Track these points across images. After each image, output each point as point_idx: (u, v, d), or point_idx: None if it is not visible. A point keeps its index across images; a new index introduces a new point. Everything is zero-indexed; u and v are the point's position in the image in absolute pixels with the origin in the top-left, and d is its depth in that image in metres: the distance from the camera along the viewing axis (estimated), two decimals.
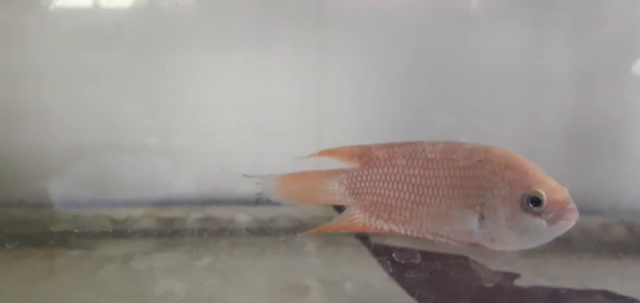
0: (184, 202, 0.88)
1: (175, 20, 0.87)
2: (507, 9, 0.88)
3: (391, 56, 0.89)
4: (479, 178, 0.45)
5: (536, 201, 0.42)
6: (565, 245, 0.62)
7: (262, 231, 0.85)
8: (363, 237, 0.65)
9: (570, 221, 0.42)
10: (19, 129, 0.86)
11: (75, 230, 0.80)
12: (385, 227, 0.51)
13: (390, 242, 0.63)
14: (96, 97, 0.87)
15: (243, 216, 0.86)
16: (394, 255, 0.60)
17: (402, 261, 0.59)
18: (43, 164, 0.86)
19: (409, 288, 0.57)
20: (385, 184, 0.51)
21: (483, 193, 0.44)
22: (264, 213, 0.86)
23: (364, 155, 0.52)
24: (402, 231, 0.51)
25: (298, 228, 0.86)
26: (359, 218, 0.52)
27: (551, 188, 0.42)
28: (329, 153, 0.55)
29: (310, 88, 0.90)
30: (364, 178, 0.52)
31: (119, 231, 0.83)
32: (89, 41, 0.84)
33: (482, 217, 0.45)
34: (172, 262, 0.72)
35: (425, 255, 0.61)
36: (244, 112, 0.89)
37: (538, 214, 0.42)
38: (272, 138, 0.90)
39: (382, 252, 0.62)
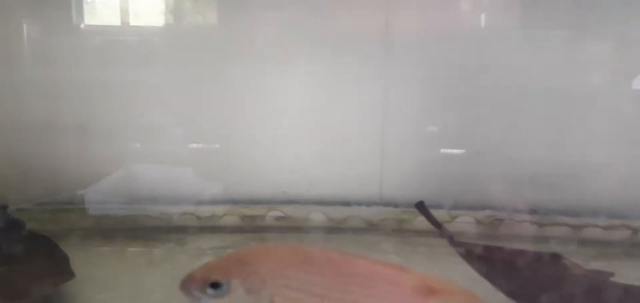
0: (262, 201, 0.94)
1: (252, 35, 0.92)
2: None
3: (454, 67, 0.92)
4: None
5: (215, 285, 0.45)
6: None
7: (336, 230, 0.90)
8: (451, 236, 0.68)
9: None
10: None
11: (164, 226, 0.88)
12: None
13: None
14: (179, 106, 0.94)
15: (317, 215, 0.91)
16: (480, 252, 0.64)
17: (490, 260, 0.63)
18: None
19: (500, 286, 0.60)
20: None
21: None
22: (337, 213, 0.91)
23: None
24: None
25: (369, 229, 0.90)
26: None
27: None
28: None
29: (376, 97, 0.94)
30: None
31: (205, 227, 0.90)
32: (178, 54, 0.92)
33: None
34: None
35: (515, 252, 0.64)
36: (313, 119, 0.94)
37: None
38: (337, 143, 0.94)
39: (469, 250, 0.65)
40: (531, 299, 0.60)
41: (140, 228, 0.88)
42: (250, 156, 0.95)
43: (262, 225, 0.90)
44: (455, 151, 0.95)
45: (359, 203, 0.93)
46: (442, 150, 0.95)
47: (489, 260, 0.65)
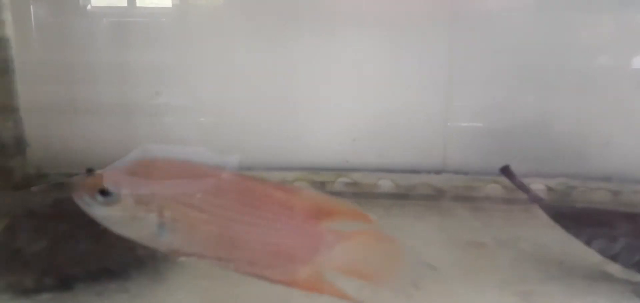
0: (330, 168, 0.94)
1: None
2: None
3: (519, 44, 0.92)
4: None
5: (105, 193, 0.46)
6: None
7: (404, 197, 0.90)
8: (540, 199, 0.69)
9: None
10: None
11: None
12: None
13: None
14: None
15: (386, 182, 0.92)
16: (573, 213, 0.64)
17: (584, 220, 0.63)
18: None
19: (596, 246, 0.61)
20: None
21: None
22: (406, 180, 0.91)
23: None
24: None
25: (437, 195, 0.91)
26: None
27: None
28: None
29: (440, 65, 0.94)
30: None
31: None
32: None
33: None
34: None
35: (609, 213, 0.65)
36: (376, 92, 0.94)
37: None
38: (401, 112, 0.94)
39: (560, 212, 0.66)
40: (629, 257, 0.60)
41: None
42: (314, 123, 0.96)
43: (331, 191, 0.91)
44: (521, 119, 0.94)
45: (419, 171, 0.93)
46: (507, 118, 0.95)
47: (582, 220, 0.65)
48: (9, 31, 0.85)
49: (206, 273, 0.56)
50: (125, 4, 0.91)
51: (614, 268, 0.60)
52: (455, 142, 0.95)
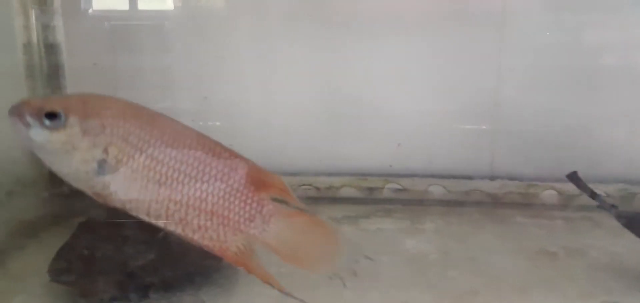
0: (369, 174, 0.93)
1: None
2: None
3: (571, 45, 0.90)
4: None
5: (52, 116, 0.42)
6: None
7: (457, 203, 0.88)
8: (611, 206, 0.66)
9: None
10: None
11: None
12: None
13: None
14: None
15: (436, 189, 0.90)
16: None
17: None
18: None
19: None
20: None
21: None
22: (456, 186, 0.89)
23: None
24: None
25: (490, 202, 0.89)
26: None
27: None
28: None
29: (489, 75, 0.92)
30: None
31: (325, 198, 0.89)
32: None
33: None
34: (399, 225, 0.77)
35: None
36: (422, 96, 0.93)
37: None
38: (446, 121, 0.93)
39: (632, 219, 0.63)
40: None
41: None
42: (358, 128, 0.94)
43: (379, 197, 0.89)
44: (573, 122, 0.92)
45: (472, 177, 0.91)
46: (558, 121, 0.92)
47: None
48: (60, 37, 0.85)
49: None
50: (171, 7, 0.91)
51: None
52: (504, 146, 0.94)
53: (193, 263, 0.56)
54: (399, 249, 0.68)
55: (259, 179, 0.47)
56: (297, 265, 0.47)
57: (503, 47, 0.90)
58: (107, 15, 0.89)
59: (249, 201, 0.46)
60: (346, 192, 0.90)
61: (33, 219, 0.75)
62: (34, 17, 0.81)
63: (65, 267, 0.56)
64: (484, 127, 0.93)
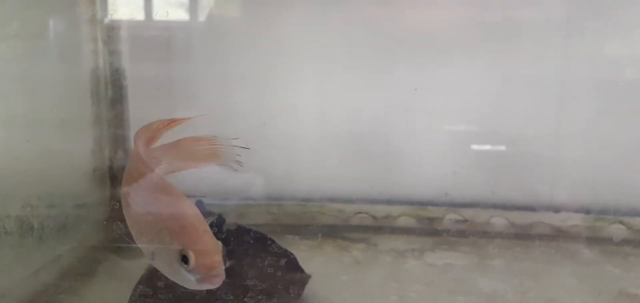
0: (422, 203, 0.91)
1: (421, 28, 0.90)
2: None
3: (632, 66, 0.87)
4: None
5: (185, 260, 0.44)
6: None
7: (522, 237, 0.86)
8: None
9: (214, 285, 0.44)
10: None
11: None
12: None
13: None
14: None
15: (499, 220, 0.88)
16: None
17: None
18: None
19: None
20: None
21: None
22: (520, 218, 0.87)
23: None
24: None
25: (556, 236, 0.86)
26: None
27: (203, 251, 0.44)
28: None
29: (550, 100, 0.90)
30: None
31: (381, 227, 0.88)
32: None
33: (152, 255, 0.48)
34: (466, 261, 0.75)
35: None
36: (478, 122, 0.91)
37: (188, 271, 0.44)
38: (507, 144, 0.91)
39: None
40: None
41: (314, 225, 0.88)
42: (411, 155, 0.93)
43: (440, 228, 0.87)
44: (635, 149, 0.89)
45: (543, 208, 0.88)
46: (625, 152, 0.89)
47: None
48: (125, 62, 0.86)
49: None
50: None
51: None
52: (566, 177, 0.91)
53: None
54: (472, 289, 0.66)
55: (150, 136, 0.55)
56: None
57: (565, 70, 0.88)
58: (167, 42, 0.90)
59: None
60: (404, 222, 0.89)
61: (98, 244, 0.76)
62: (101, 42, 0.83)
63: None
64: (545, 154, 0.91)
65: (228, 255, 0.65)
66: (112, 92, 0.85)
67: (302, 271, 0.64)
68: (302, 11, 0.90)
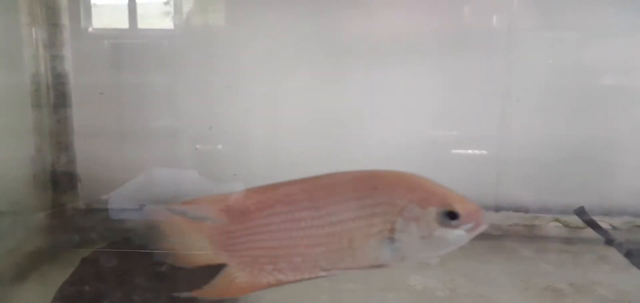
0: None
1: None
2: None
3: (577, 67, 0.90)
4: (382, 205, 0.43)
5: (453, 215, 0.42)
6: None
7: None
8: (620, 244, 0.66)
9: (485, 225, 0.43)
10: None
11: None
12: (272, 280, 0.46)
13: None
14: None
15: None
16: None
17: None
18: None
19: None
20: (267, 235, 0.45)
21: (391, 218, 0.43)
22: None
23: (231, 208, 0.46)
24: (292, 278, 0.46)
25: (496, 235, 0.88)
26: (240, 277, 0.46)
27: (461, 200, 0.43)
28: (193, 203, 0.48)
29: (494, 102, 0.92)
30: (238, 233, 0.46)
31: None
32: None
33: (392, 241, 0.44)
34: None
35: None
36: (427, 124, 0.93)
37: (456, 226, 0.42)
38: (456, 145, 0.93)
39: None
40: None
41: None
42: (365, 157, 0.94)
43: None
44: (579, 154, 0.92)
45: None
46: (565, 153, 0.92)
47: None
48: (68, 66, 0.85)
49: None
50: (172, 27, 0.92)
51: None
52: (509, 176, 0.94)
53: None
54: (404, 285, 0.68)
55: None
56: None
57: (510, 74, 0.91)
58: (115, 44, 0.90)
59: None
60: None
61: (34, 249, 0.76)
62: (42, 47, 0.82)
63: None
64: (489, 155, 0.94)
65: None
66: (54, 98, 0.84)
67: None
68: (248, 17, 0.92)
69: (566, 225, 0.86)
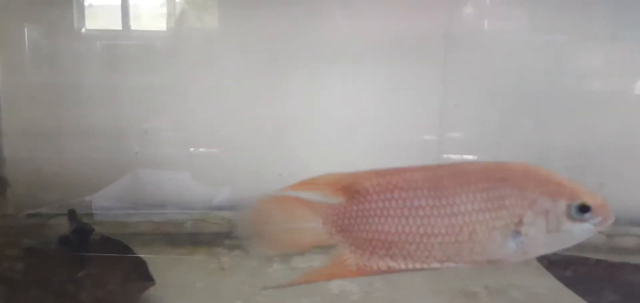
0: None
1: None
2: None
3: (513, 73, 0.91)
4: (510, 197, 0.43)
5: (585, 209, 0.41)
6: None
7: None
8: None
9: (613, 219, 0.42)
10: None
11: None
12: (383, 265, 0.45)
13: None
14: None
15: None
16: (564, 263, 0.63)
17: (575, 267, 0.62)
18: None
19: (585, 295, 0.59)
20: (383, 219, 0.44)
21: (520, 211, 0.43)
22: None
23: (350, 187, 0.45)
24: (403, 266, 0.45)
25: None
26: (350, 259, 0.45)
27: (590, 193, 0.42)
28: (311, 184, 0.46)
29: (434, 102, 0.93)
30: (353, 214, 0.45)
31: None
32: None
33: (518, 234, 0.43)
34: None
35: (601, 263, 0.63)
36: (368, 125, 0.93)
37: (586, 220, 0.42)
38: (393, 151, 0.94)
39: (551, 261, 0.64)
40: None
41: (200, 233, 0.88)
42: (302, 162, 0.95)
43: None
44: (516, 159, 0.93)
45: None
46: (501, 159, 0.93)
47: (579, 271, 0.64)
48: None
49: None
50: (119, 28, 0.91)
51: None
52: None
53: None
54: (323, 290, 0.68)
55: None
56: None
57: (447, 76, 0.91)
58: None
59: None
60: None
61: None
62: None
63: None
64: (430, 156, 0.95)
65: (82, 264, 0.67)
66: None
67: (148, 279, 0.64)
68: (188, 20, 0.92)
69: None
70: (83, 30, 0.91)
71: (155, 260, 0.76)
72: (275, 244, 0.47)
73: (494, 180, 0.43)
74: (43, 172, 0.89)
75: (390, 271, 0.45)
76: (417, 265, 0.44)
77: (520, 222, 0.42)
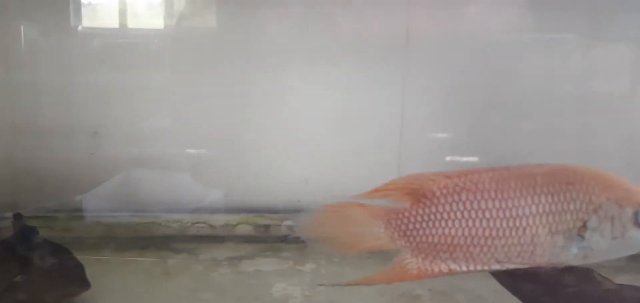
0: (275, 211, 0.92)
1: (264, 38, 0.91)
2: None
3: (472, 76, 0.91)
4: (576, 201, 0.43)
5: None
6: None
7: None
8: None
9: None
10: None
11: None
12: (444, 268, 0.45)
13: None
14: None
15: None
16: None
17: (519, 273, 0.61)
18: None
19: (527, 300, 0.58)
20: (450, 222, 0.44)
21: (584, 216, 0.43)
22: None
23: (418, 192, 0.45)
24: (465, 268, 0.45)
25: None
26: (412, 263, 0.46)
27: None
28: (382, 191, 0.47)
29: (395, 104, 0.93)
30: (419, 218, 0.45)
31: (218, 237, 0.88)
32: None
33: (581, 239, 0.43)
34: (278, 267, 0.76)
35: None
36: (329, 127, 0.93)
37: None
38: (355, 153, 0.93)
39: None
40: None
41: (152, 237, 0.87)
42: (263, 164, 0.94)
43: (278, 235, 0.88)
44: (474, 159, 0.93)
45: None
46: (461, 158, 0.93)
47: (517, 274, 0.63)
48: None
49: None
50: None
51: None
52: None
53: None
54: (263, 294, 0.67)
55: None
56: None
57: (407, 81, 0.91)
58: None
59: None
60: (242, 230, 0.90)
61: None
62: None
63: None
64: (390, 160, 0.94)
65: (21, 269, 0.65)
66: None
67: (84, 283, 0.63)
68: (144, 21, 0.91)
69: None
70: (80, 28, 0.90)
71: (100, 263, 0.76)
72: (337, 246, 0.48)
73: (560, 183, 0.43)
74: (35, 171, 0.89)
75: (451, 273, 0.45)
76: (479, 267, 0.45)
77: (583, 227, 0.42)
